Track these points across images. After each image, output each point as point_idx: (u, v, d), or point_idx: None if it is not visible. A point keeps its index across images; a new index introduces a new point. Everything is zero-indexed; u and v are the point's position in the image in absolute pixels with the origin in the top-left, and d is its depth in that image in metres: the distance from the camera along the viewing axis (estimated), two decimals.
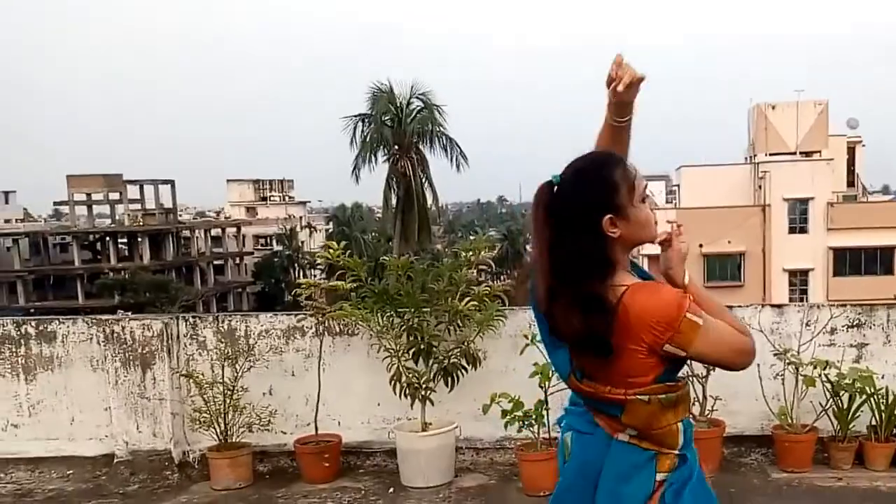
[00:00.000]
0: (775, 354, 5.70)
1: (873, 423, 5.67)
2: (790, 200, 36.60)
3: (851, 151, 43.40)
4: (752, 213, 37.02)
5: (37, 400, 6.18)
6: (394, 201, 35.22)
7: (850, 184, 43.49)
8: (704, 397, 5.62)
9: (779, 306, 6.17)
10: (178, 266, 57.34)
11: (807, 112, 39.92)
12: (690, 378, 5.54)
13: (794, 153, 39.43)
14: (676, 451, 2.35)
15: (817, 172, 36.76)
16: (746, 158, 42.50)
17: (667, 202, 49.90)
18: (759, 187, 37.47)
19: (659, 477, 2.35)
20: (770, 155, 39.23)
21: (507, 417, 5.37)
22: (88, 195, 58.47)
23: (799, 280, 37.68)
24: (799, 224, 37.10)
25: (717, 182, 38.20)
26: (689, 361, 2.36)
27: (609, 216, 2.18)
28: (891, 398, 5.65)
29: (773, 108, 40.48)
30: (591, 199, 2.20)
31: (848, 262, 37.66)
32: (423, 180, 35.44)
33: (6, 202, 67.50)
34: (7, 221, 63.78)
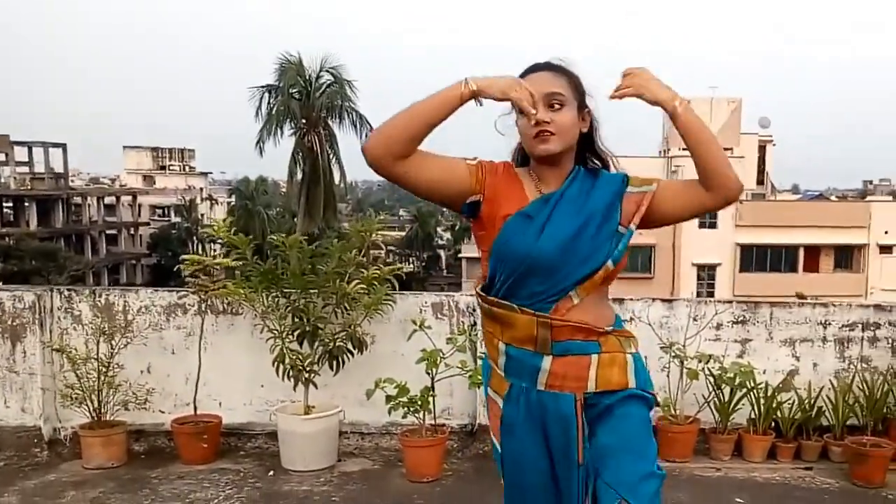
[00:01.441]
0: (662, 348, 5.92)
1: (752, 416, 5.97)
2: None
3: (762, 150, 44.90)
4: None
5: None
6: (299, 176, 34.92)
7: (760, 182, 44.99)
8: None
9: (669, 301, 6.39)
10: (68, 234, 55.86)
11: (720, 109, 41.10)
12: None
13: None
14: (498, 369, 2.66)
15: None
16: (660, 152, 43.52)
17: None
18: None
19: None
20: (683, 149, 40.13)
21: (392, 403, 5.45)
22: None
23: (707, 274, 38.89)
24: (709, 219, 38.17)
25: (632, 174, 39.00)
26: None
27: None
28: (769, 393, 5.95)
29: (688, 103, 41.46)
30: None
31: (755, 258, 39.03)
32: (331, 156, 35.23)
33: None
34: None
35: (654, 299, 6.33)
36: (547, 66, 2.51)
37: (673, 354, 5.92)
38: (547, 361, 2.49)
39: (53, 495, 5.18)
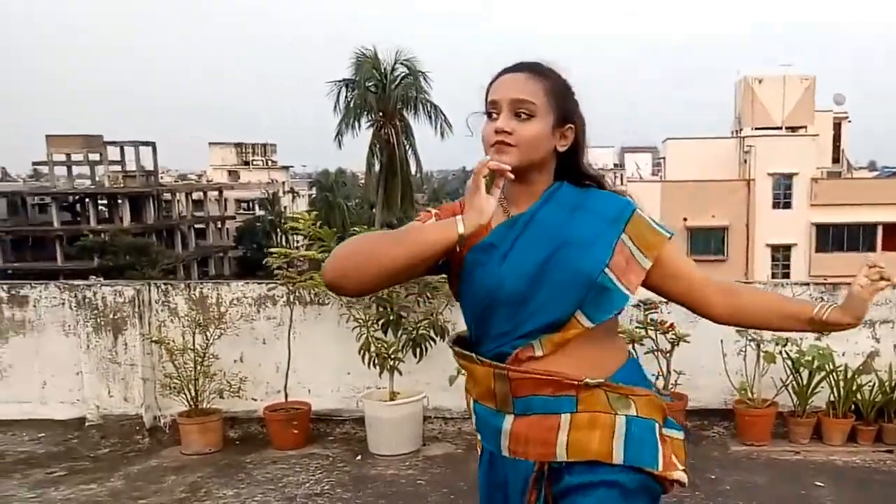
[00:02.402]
0: (738, 331, 5.84)
1: (831, 399, 5.85)
2: (775, 175, 36.84)
3: (837, 127, 43.61)
4: (736, 187, 37.25)
5: (8, 363, 6.27)
6: (377, 168, 35.26)
7: (836, 160, 43.76)
8: (668, 371, 5.76)
9: (746, 283, 6.31)
10: (159, 229, 57.23)
11: (793, 87, 40.08)
12: (655, 353, 5.71)
13: (780, 128, 39.62)
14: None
15: (802, 148, 37.00)
16: (732, 132, 42.67)
17: (653, 174, 50.08)
18: (745, 161, 37.68)
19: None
20: (756, 129, 39.40)
21: None
22: (68, 155, 58.20)
23: (782, 255, 38.02)
24: (783, 199, 37.36)
25: (703, 155, 38.36)
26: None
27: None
28: (849, 375, 5.83)
29: (760, 81, 40.60)
30: None
31: (831, 238, 37.99)
32: (407, 147, 35.50)
33: None
34: None
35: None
36: (524, 68, 2.03)
37: (749, 338, 5.84)
38: (508, 421, 2.00)
39: (155, 480, 5.36)
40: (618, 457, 1.95)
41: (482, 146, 2.03)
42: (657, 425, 2.02)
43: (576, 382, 1.95)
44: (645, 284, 2.08)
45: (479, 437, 2.15)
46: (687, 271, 2.12)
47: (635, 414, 1.98)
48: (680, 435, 2.12)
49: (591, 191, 2.09)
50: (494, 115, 2.00)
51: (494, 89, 2.02)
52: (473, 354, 2.02)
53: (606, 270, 1.96)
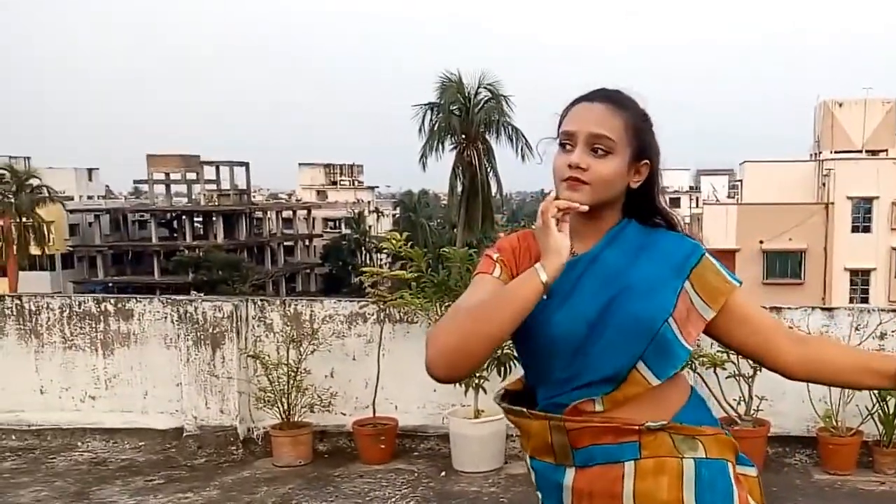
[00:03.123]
0: None
1: None
2: (854, 199, 35.78)
3: None
4: (814, 210, 36.29)
5: (113, 374, 6.44)
6: (459, 189, 35.43)
7: None
8: (750, 396, 5.61)
9: (829, 309, 6.13)
10: (250, 246, 58.41)
11: (874, 110, 38.99)
12: (737, 377, 5.57)
13: (860, 151, 38.54)
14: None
15: (883, 171, 35.85)
16: (811, 155, 41.68)
17: (729, 196, 49.17)
18: (823, 185, 36.70)
19: None
20: (835, 152, 38.41)
21: None
22: (167, 174, 59.93)
23: (860, 280, 36.86)
24: (862, 223, 36.25)
25: (781, 178, 37.53)
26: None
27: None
28: None
29: (840, 105, 39.62)
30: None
31: None
32: (489, 169, 35.61)
33: (90, 179, 69.37)
34: (90, 198, 65.55)
35: (814, 307, 6.08)
36: (604, 98, 1.84)
37: None
38: (569, 475, 1.82)
39: (249, 490, 5.43)
40: (689, 502, 1.77)
41: (551, 177, 1.87)
42: (729, 465, 1.84)
43: (637, 427, 1.77)
44: (709, 333, 1.90)
45: (539, 496, 1.93)
46: (757, 317, 1.91)
47: (704, 455, 1.80)
48: (754, 472, 1.95)
49: (660, 231, 1.91)
50: (569, 147, 1.81)
51: (570, 119, 1.83)
52: (524, 409, 1.83)
53: (670, 320, 1.79)
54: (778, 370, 1.91)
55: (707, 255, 1.87)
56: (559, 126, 1.85)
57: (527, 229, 1.98)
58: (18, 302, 6.52)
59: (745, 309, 1.90)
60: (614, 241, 1.86)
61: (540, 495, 1.94)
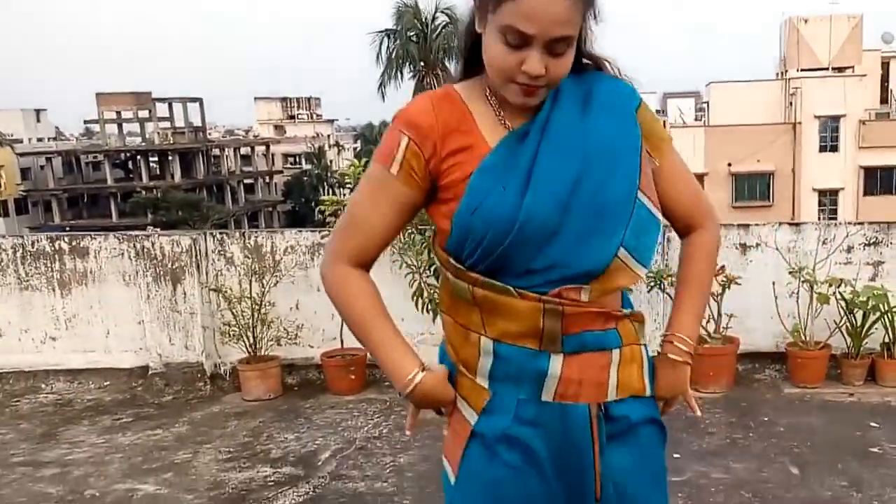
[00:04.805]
0: (790, 272, 5.75)
1: (886, 340, 5.74)
2: (821, 118, 35.98)
3: (886, 67, 42.38)
4: (782, 130, 36.48)
5: (73, 313, 6.38)
6: None
7: (885, 100, 42.61)
8: (719, 314, 5.70)
9: (796, 224, 6.21)
10: (209, 185, 57.77)
11: (840, 26, 38.92)
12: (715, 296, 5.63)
13: (827, 69, 38.62)
14: (475, 375, 1.76)
15: (850, 89, 36.02)
16: (777, 74, 41.72)
17: (696, 119, 49.26)
18: (790, 104, 36.83)
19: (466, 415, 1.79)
20: (802, 70, 38.46)
21: None
22: (118, 113, 58.77)
23: (829, 200, 37.31)
24: (830, 142, 36.52)
25: (748, 99, 37.55)
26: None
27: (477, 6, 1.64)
28: None
29: (806, 21, 39.49)
30: None
31: (879, 181, 37.16)
32: None
33: (38, 120, 67.90)
34: (39, 140, 64.28)
35: (780, 223, 6.15)
36: None
37: (802, 279, 5.74)
38: (556, 362, 1.69)
39: (219, 425, 5.46)
40: (647, 389, 1.81)
41: (487, 63, 1.62)
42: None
43: (619, 313, 1.74)
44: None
45: (484, 384, 1.74)
46: (686, 176, 1.87)
47: (644, 340, 1.83)
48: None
49: (593, 75, 1.73)
50: (516, 44, 1.56)
51: (528, 15, 1.52)
52: (511, 288, 1.65)
53: (639, 193, 1.69)
54: (682, 235, 1.95)
55: (640, 102, 1.76)
56: (493, 2, 1.55)
57: (448, 87, 1.75)
58: None
59: (679, 165, 1.85)
60: (558, 100, 1.67)
61: (486, 384, 1.74)
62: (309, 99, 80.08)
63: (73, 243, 6.34)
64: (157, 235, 6.23)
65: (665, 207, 1.80)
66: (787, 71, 39.63)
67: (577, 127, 1.67)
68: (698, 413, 1.96)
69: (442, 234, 1.72)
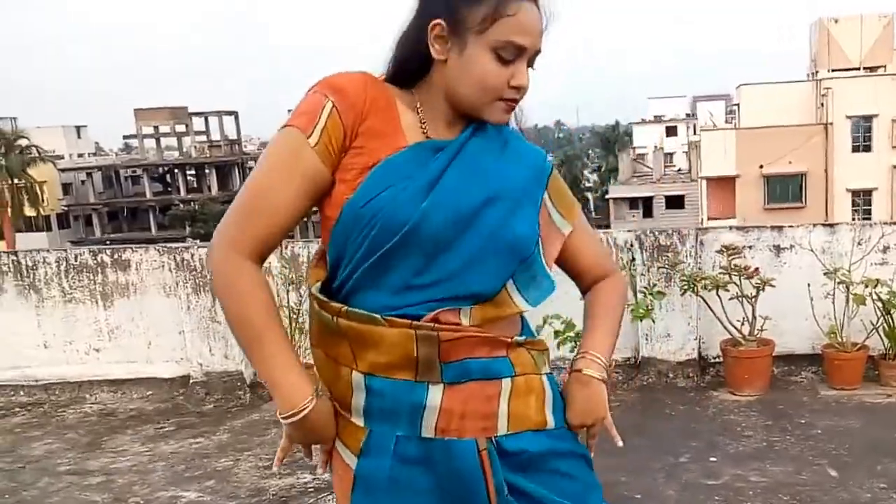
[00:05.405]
0: (825, 274, 5.68)
1: None
2: (853, 118, 35.59)
3: None
4: (813, 131, 36.11)
5: (115, 325, 6.46)
6: None
7: None
8: (753, 317, 5.64)
9: (831, 225, 6.13)
10: None
11: (871, 25, 38.51)
12: (740, 298, 5.59)
13: (858, 69, 38.18)
14: (349, 414, 1.64)
15: (882, 88, 35.57)
16: (808, 75, 41.31)
17: (727, 122, 48.91)
18: (822, 105, 36.44)
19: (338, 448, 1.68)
20: (833, 71, 38.05)
21: (560, 337, 5.47)
22: (156, 128, 59.58)
23: (862, 200, 36.84)
24: (862, 143, 36.10)
25: (779, 100, 37.25)
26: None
27: (439, 22, 1.55)
28: None
29: (836, 22, 39.12)
30: None
31: None
32: None
33: (78, 136, 68.86)
34: (80, 155, 65.18)
35: (814, 224, 6.09)
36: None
37: (838, 280, 5.67)
38: (434, 393, 1.56)
39: (259, 432, 5.50)
40: (550, 422, 1.67)
41: (468, 84, 1.57)
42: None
43: (509, 340, 1.62)
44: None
45: (360, 422, 1.61)
46: (594, 243, 1.84)
47: (549, 370, 1.72)
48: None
49: (511, 130, 1.71)
50: (506, 59, 1.55)
51: (521, 29, 1.54)
52: (378, 316, 1.53)
53: (539, 243, 1.66)
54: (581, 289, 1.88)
55: (551, 170, 1.74)
56: (488, 19, 1.53)
57: (381, 77, 1.66)
58: (15, 258, 6.51)
59: (587, 226, 1.83)
60: (479, 132, 1.63)
61: (362, 422, 1.61)
62: None
63: (115, 256, 6.43)
64: (196, 247, 6.30)
65: (576, 262, 1.80)
66: (817, 72, 39.25)
67: (490, 161, 1.62)
68: (620, 443, 1.79)
69: (326, 225, 1.59)
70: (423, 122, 1.61)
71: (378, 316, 1.53)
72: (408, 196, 1.51)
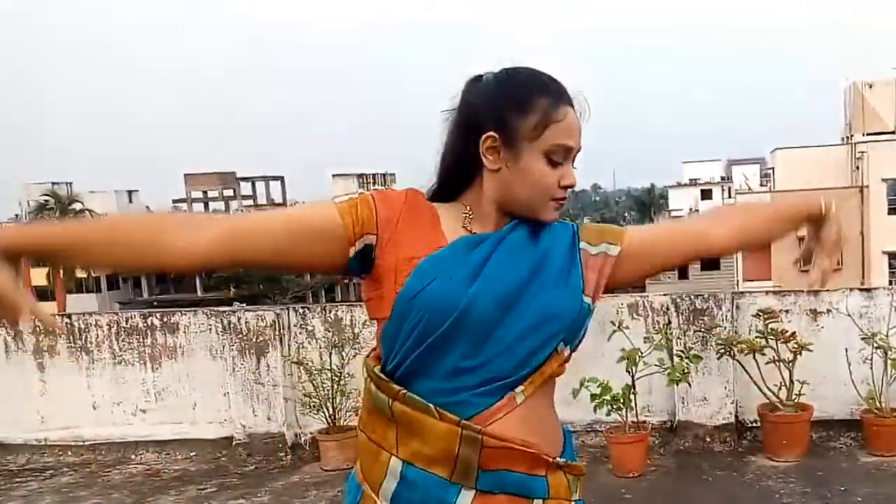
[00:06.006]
0: (863, 338, 5.60)
1: None
2: (889, 181, 35.18)
3: None
4: (849, 194, 35.67)
5: (162, 387, 6.54)
6: None
7: None
8: (791, 381, 5.56)
9: (868, 289, 6.06)
10: None
11: None
12: (777, 363, 5.52)
13: (893, 132, 37.88)
14: (377, 497, 1.61)
15: None
16: (843, 139, 41.06)
17: (761, 185, 48.64)
18: (857, 168, 36.12)
19: None
20: (867, 135, 37.79)
21: (597, 401, 5.44)
22: (205, 192, 60.69)
23: None
24: None
25: (814, 163, 36.98)
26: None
27: (491, 135, 1.60)
28: None
29: (871, 86, 38.97)
30: (489, 103, 1.62)
31: None
32: None
33: (130, 201, 70.18)
34: None
35: (851, 288, 6.03)
36: (573, 102, 1.66)
37: (875, 345, 5.59)
38: (465, 499, 1.55)
39: (298, 494, 5.50)
40: None
41: (525, 189, 1.63)
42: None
43: (550, 459, 1.60)
44: (644, 274, 1.76)
45: None
46: (664, 228, 1.88)
47: (579, 496, 1.68)
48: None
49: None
50: (555, 160, 1.62)
51: (568, 132, 1.62)
52: (432, 406, 1.53)
53: (583, 297, 1.65)
54: (714, 251, 1.81)
55: (579, 226, 1.77)
56: (538, 127, 1.60)
57: (419, 191, 1.70)
58: (68, 320, 6.65)
59: (646, 232, 1.81)
60: (518, 226, 1.66)
61: None
62: (384, 174, 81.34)
63: (165, 319, 6.54)
64: (242, 311, 6.38)
65: (673, 254, 1.78)
66: (852, 135, 38.98)
67: (528, 243, 1.64)
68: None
69: (379, 314, 1.61)
70: (468, 224, 1.64)
71: (432, 406, 1.53)
72: (456, 284, 1.53)
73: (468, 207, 1.65)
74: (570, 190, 1.65)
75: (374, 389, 1.60)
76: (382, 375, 1.59)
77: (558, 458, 1.61)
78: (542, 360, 1.58)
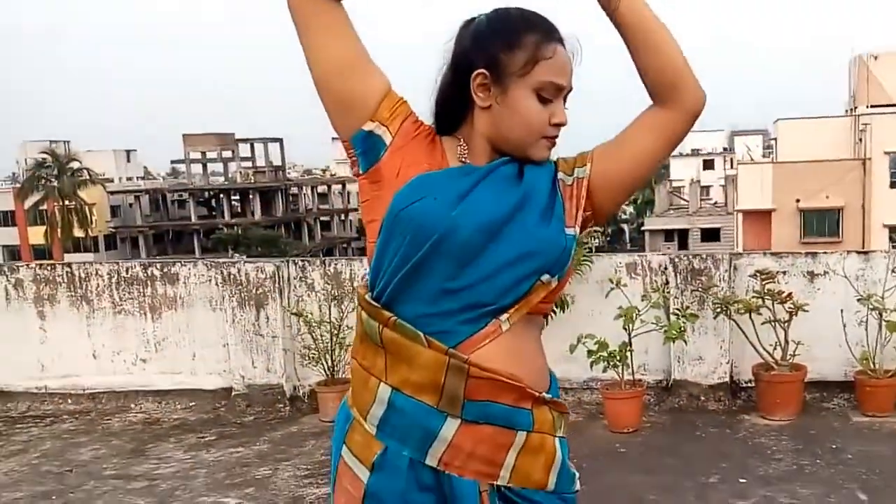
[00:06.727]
0: (859, 300, 5.66)
1: None
2: (892, 154, 35.15)
3: None
4: (851, 166, 35.71)
5: (162, 337, 6.60)
6: None
7: None
8: (786, 342, 5.63)
9: (865, 252, 6.11)
10: (287, 222, 58.84)
11: None
12: (773, 323, 5.58)
13: None
14: (364, 422, 1.67)
15: None
16: (847, 111, 40.94)
17: (764, 156, 48.55)
18: (860, 140, 36.05)
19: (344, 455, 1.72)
20: (871, 107, 37.67)
21: (593, 357, 5.50)
22: (203, 153, 60.50)
23: None
24: None
25: (816, 135, 36.91)
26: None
27: (482, 72, 1.63)
28: None
29: (876, 58, 38.77)
30: (479, 41, 1.65)
31: None
32: None
33: (128, 160, 70.16)
34: (129, 179, 66.36)
35: (849, 251, 6.08)
36: (565, 41, 1.68)
37: (871, 307, 5.64)
38: (450, 427, 1.60)
39: (297, 444, 5.57)
40: (551, 485, 1.69)
41: (515, 125, 1.66)
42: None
43: (536, 394, 1.64)
44: (605, 199, 1.74)
45: (373, 434, 1.65)
46: (621, 136, 1.74)
47: (563, 434, 1.72)
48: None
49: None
50: (546, 98, 1.65)
51: (558, 69, 1.64)
52: (421, 334, 1.58)
53: (566, 227, 1.68)
54: (657, 99, 1.71)
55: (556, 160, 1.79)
56: (528, 64, 1.62)
57: (429, 127, 1.75)
58: (69, 269, 6.70)
59: (609, 139, 1.76)
60: (508, 162, 1.70)
61: (374, 432, 1.65)
62: None
63: (165, 270, 6.58)
64: (242, 262, 6.44)
65: (625, 156, 1.72)
66: (856, 107, 38.88)
67: (515, 178, 1.68)
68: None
69: (368, 249, 1.69)
70: (465, 157, 1.70)
71: (421, 335, 1.58)
72: (440, 205, 1.58)
73: (462, 141, 1.71)
74: (560, 128, 1.68)
75: (366, 317, 1.65)
76: (373, 301, 1.63)
77: (544, 394, 1.66)
78: (527, 288, 1.62)
